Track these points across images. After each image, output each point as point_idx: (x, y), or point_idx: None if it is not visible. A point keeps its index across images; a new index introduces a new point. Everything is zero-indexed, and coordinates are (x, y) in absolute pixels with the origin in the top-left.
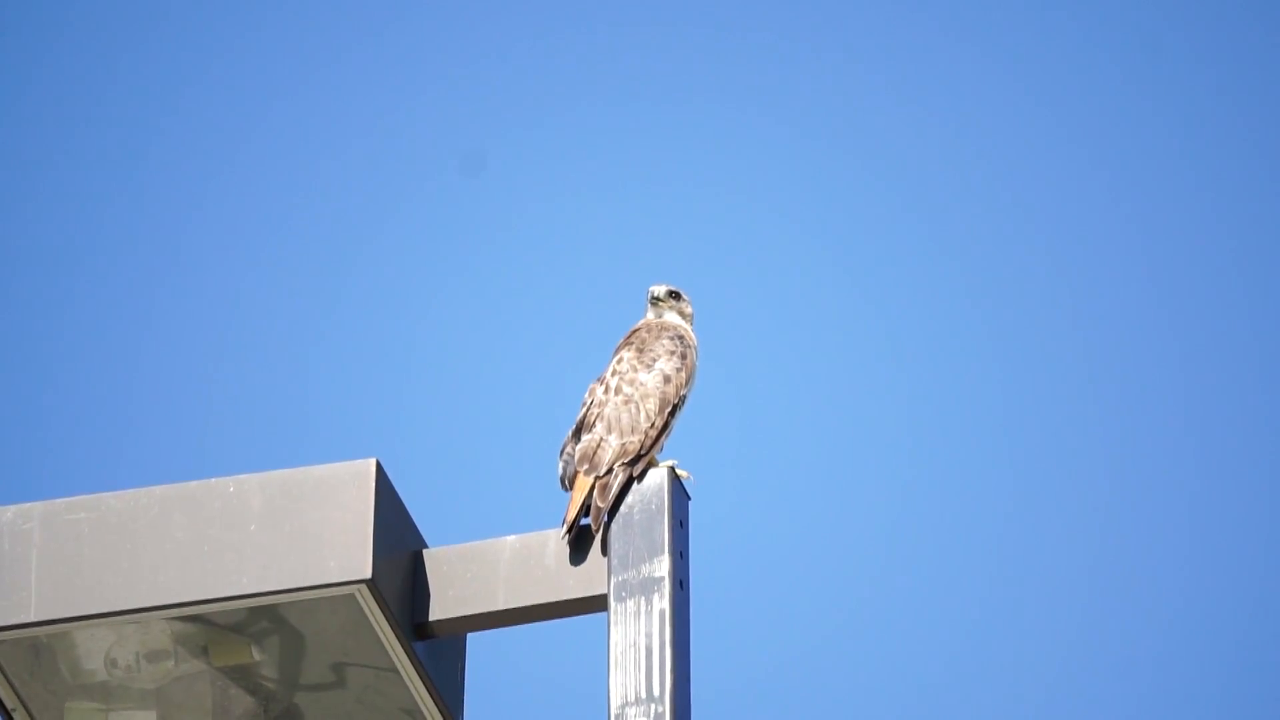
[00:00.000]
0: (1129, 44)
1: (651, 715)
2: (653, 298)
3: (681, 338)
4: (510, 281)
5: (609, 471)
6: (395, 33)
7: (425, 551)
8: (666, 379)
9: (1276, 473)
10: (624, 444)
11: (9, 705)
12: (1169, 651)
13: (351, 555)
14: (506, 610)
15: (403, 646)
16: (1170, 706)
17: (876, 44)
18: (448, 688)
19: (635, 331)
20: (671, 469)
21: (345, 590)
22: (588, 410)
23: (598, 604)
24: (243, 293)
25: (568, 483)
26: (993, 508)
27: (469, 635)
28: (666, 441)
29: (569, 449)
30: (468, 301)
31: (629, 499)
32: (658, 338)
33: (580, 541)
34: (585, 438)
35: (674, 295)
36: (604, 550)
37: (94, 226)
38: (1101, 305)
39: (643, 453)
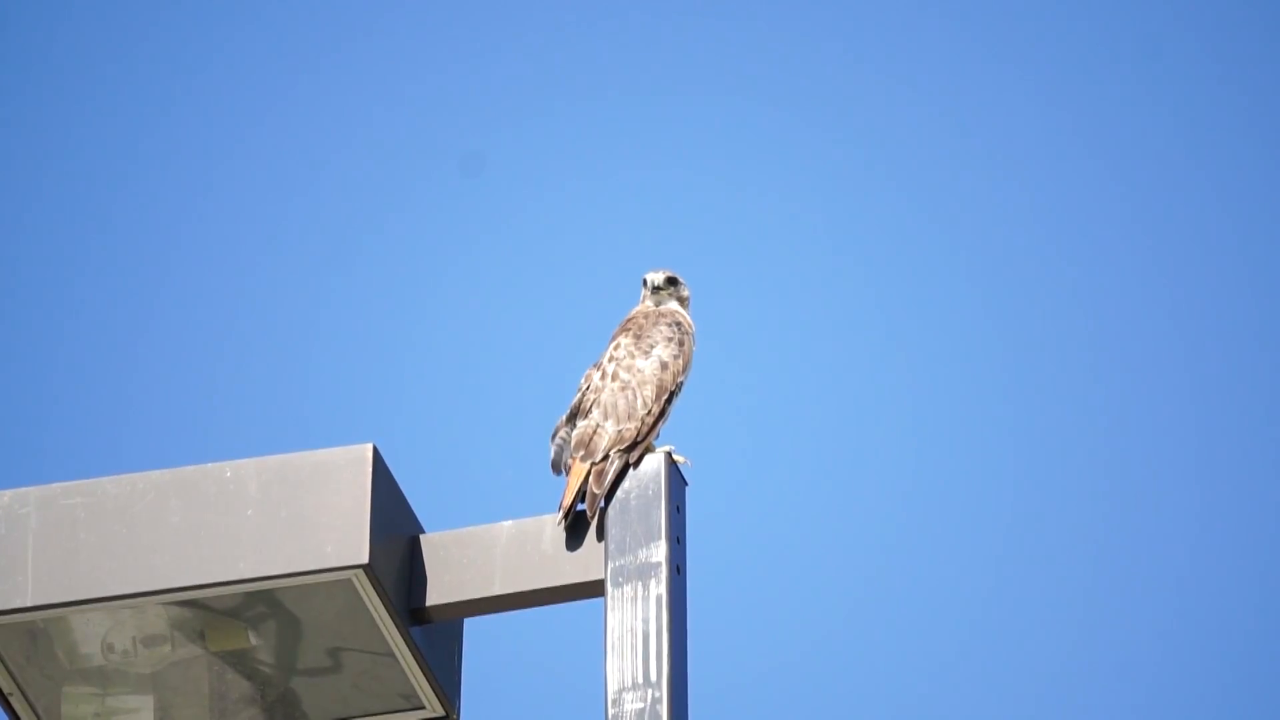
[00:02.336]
0: (1139, 42)
1: (648, 700)
2: (652, 287)
3: (679, 324)
4: (507, 268)
5: (605, 458)
6: (394, 32)
7: (422, 537)
8: (664, 365)
9: (1278, 473)
10: (620, 430)
11: (6, 690)
12: (1170, 652)
13: (348, 540)
14: (503, 595)
15: (399, 631)
16: (1170, 707)
17: (880, 34)
18: (444, 673)
19: (632, 318)
20: (668, 454)
21: (342, 575)
22: (584, 396)
23: (594, 589)
24: (242, 282)
25: (564, 467)
26: (995, 496)
27: (465, 620)
28: (663, 427)
29: (562, 432)
30: (465, 288)
31: (625, 484)
32: (655, 324)
33: (577, 527)
34: (581, 424)
35: (672, 282)
36: (600, 536)
37: (93, 214)
38: (1109, 301)
39: (639, 440)
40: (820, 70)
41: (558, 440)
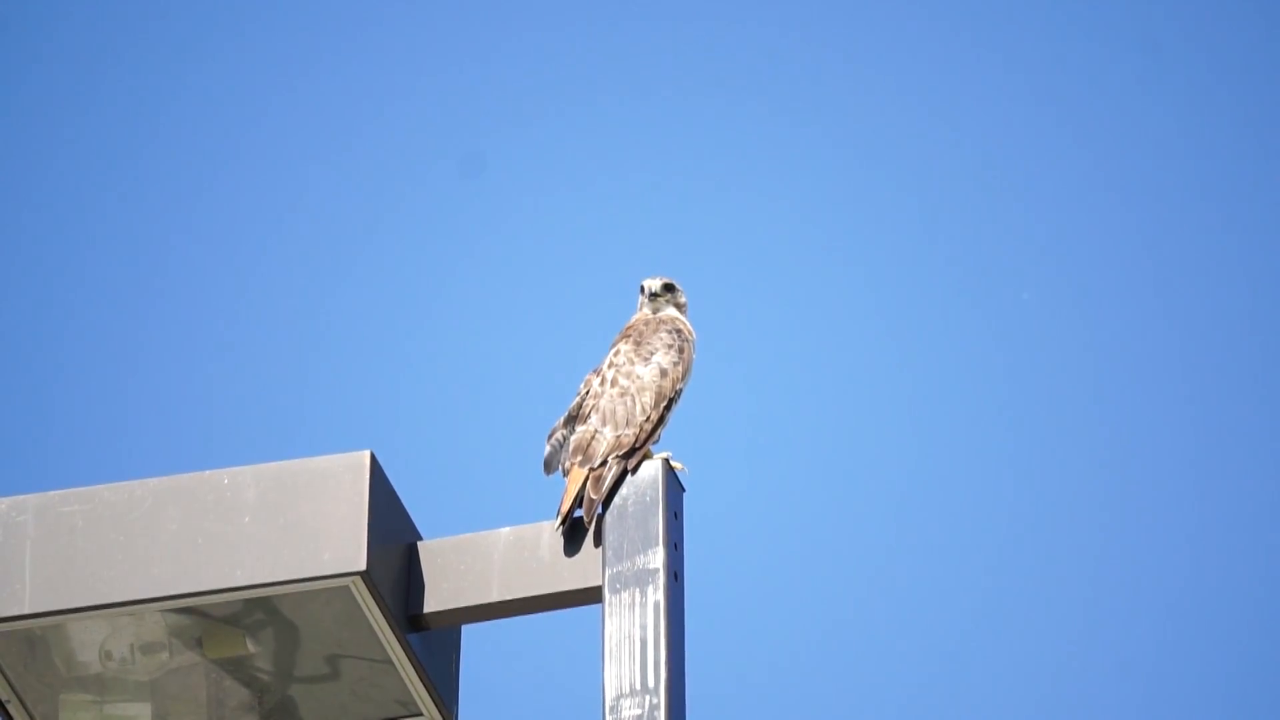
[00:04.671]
0: (1138, 44)
1: (646, 707)
2: (649, 293)
3: (679, 331)
4: (506, 274)
5: (603, 464)
6: (394, 33)
7: (419, 544)
8: (663, 373)
9: (1276, 473)
10: (619, 436)
11: (3, 697)
12: (1168, 651)
13: (346, 547)
14: (501, 602)
15: (397, 638)
16: (1169, 706)
17: (881, 38)
18: (442, 680)
19: (633, 324)
20: (666, 460)
21: (340, 582)
22: (583, 401)
23: (592, 596)
24: (239, 287)
25: (562, 469)
26: (993, 500)
27: (463, 627)
28: (662, 433)
29: (559, 434)
30: (463, 294)
31: (623, 490)
32: (655, 331)
33: (574, 533)
34: (580, 429)
35: (669, 288)
36: (598, 542)
37: (91, 221)
38: (1106, 302)
39: (637, 446)
40: (820, 74)
41: (553, 441)
